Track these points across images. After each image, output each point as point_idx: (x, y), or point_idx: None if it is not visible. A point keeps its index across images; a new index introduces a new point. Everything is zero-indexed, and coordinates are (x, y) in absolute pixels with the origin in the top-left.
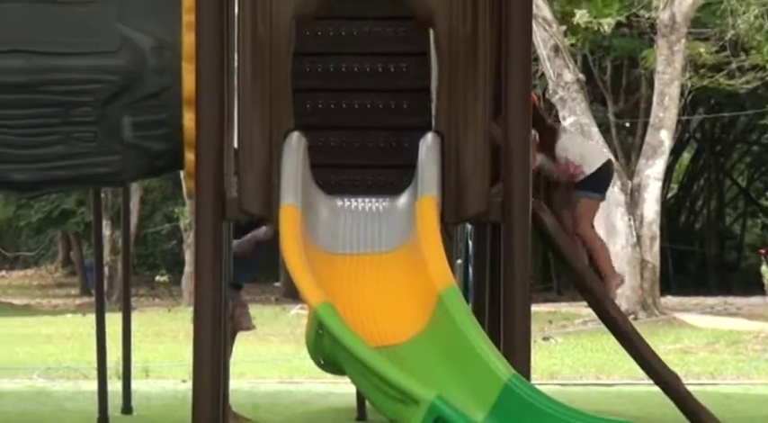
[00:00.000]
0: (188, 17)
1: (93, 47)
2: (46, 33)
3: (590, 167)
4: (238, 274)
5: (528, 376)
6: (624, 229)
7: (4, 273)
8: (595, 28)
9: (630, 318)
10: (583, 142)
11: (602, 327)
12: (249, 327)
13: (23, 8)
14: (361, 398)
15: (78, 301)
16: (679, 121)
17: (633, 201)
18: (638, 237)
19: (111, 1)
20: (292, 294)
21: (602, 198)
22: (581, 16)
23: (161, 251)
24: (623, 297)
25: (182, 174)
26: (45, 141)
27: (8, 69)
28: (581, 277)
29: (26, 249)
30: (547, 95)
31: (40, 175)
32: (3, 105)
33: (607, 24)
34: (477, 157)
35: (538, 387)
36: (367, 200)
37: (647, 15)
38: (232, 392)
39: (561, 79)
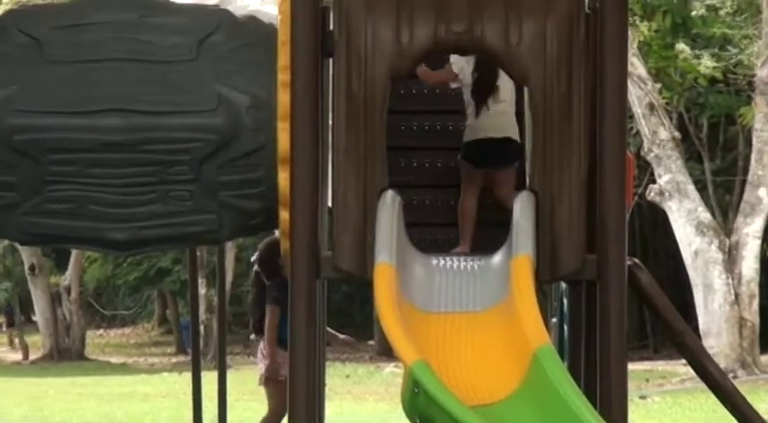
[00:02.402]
0: (283, 76)
1: (191, 105)
2: (144, 92)
3: None
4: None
5: None
6: (722, 287)
7: (101, 332)
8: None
9: (730, 376)
10: None
11: (701, 385)
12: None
13: (121, 67)
14: None
15: (174, 360)
16: None
17: (731, 258)
18: (737, 295)
19: (209, 60)
20: (387, 352)
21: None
22: (682, 52)
23: None
24: (722, 355)
25: (276, 232)
26: (142, 200)
27: (106, 128)
28: (679, 335)
29: (123, 308)
30: (642, 153)
31: (138, 234)
32: (101, 164)
33: (704, 67)
34: (571, 215)
35: None
36: (462, 258)
37: (743, 73)
38: None
39: (656, 137)
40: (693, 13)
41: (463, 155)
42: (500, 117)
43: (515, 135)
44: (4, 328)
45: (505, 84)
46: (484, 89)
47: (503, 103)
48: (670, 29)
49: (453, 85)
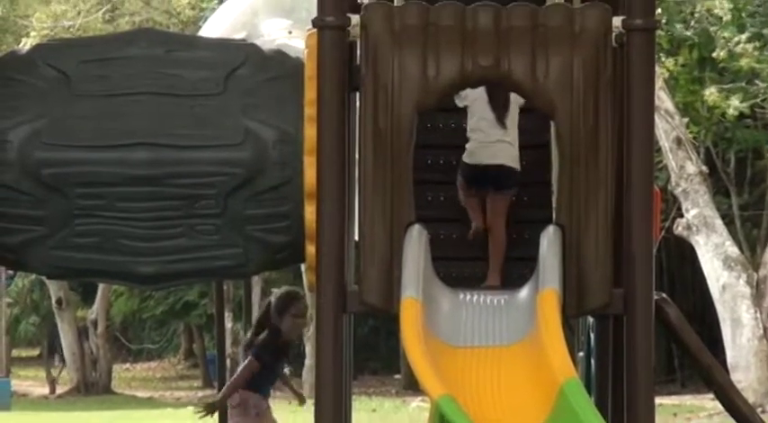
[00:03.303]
0: (309, 110)
1: (218, 139)
2: (170, 126)
3: None
4: (265, 384)
5: None
6: (750, 321)
7: (128, 365)
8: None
9: (758, 411)
10: None
11: (729, 420)
12: None
13: (148, 101)
14: None
15: (201, 394)
16: None
17: (759, 293)
18: (765, 329)
19: (236, 94)
20: (413, 386)
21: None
22: (710, 94)
23: None
24: (750, 390)
25: (302, 266)
26: (168, 234)
27: (133, 162)
28: (707, 370)
29: (150, 342)
30: (669, 187)
31: (164, 268)
32: (128, 198)
33: (734, 108)
34: (598, 249)
35: None
36: (488, 293)
37: None
38: None
39: (684, 171)
40: (716, 51)
41: (460, 171)
42: (499, 144)
43: (513, 163)
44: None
45: (510, 112)
46: (498, 104)
47: (505, 130)
48: (697, 62)
49: (460, 105)
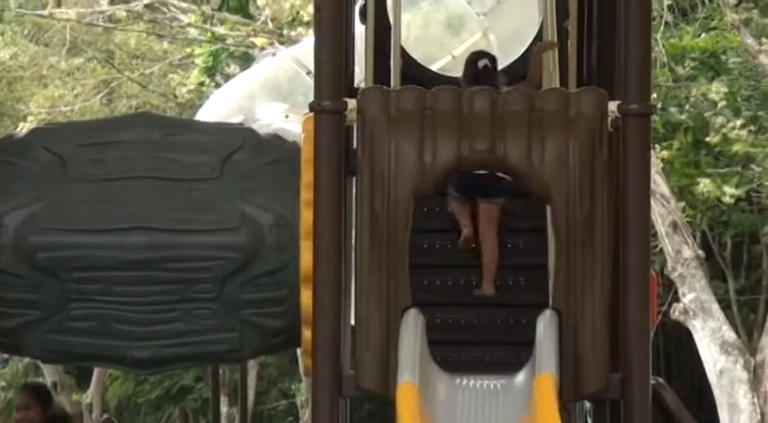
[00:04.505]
0: (306, 194)
1: (215, 224)
2: (167, 210)
3: None
4: None
5: None
6: (747, 406)
7: None
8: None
9: None
10: None
11: None
12: None
13: (145, 185)
14: None
15: None
16: None
17: (756, 378)
18: (763, 414)
19: (233, 178)
20: None
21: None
22: (704, 185)
23: None
24: None
25: (299, 351)
26: (164, 318)
27: (130, 246)
28: None
29: None
30: (666, 272)
31: (160, 353)
32: (124, 282)
33: (730, 196)
34: (595, 334)
35: None
36: (485, 377)
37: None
38: None
39: (680, 256)
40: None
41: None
42: None
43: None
44: None
45: None
46: None
47: None
48: (692, 146)
49: None
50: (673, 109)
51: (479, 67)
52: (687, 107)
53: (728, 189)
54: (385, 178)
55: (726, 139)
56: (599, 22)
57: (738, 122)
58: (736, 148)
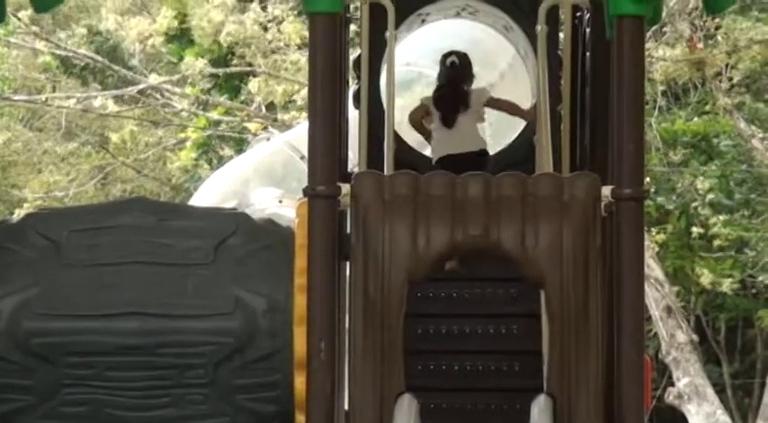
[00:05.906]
0: (300, 279)
1: (208, 309)
2: (161, 295)
3: None
4: None
5: None
6: None
7: None
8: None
9: None
10: None
11: None
12: None
13: (138, 271)
14: None
15: None
16: None
17: None
18: None
19: (226, 263)
20: None
21: None
22: (705, 276)
23: None
24: None
25: None
26: (157, 404)
27: (123, 331)
28: None
29: None
30: (660, 356)
31: None
32: (117, 368)
33: (726, 287)
34: (589, 419)
35: None
36: None
37: (761, 277)
38: None
39: (674, 340)
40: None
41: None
42: (464, 132)
43: (483, 146)
44: None
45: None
46: (448, 104)
47: (470, 117)
48: (685, 230)
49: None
50: (661, 198)
51: (447, 64)
52: (676, 195)
53: (726, 282)
54: (379, 263)
55: (707, 230)
56: (592, 106)
57: (722, 217)
58: (718, 242)
